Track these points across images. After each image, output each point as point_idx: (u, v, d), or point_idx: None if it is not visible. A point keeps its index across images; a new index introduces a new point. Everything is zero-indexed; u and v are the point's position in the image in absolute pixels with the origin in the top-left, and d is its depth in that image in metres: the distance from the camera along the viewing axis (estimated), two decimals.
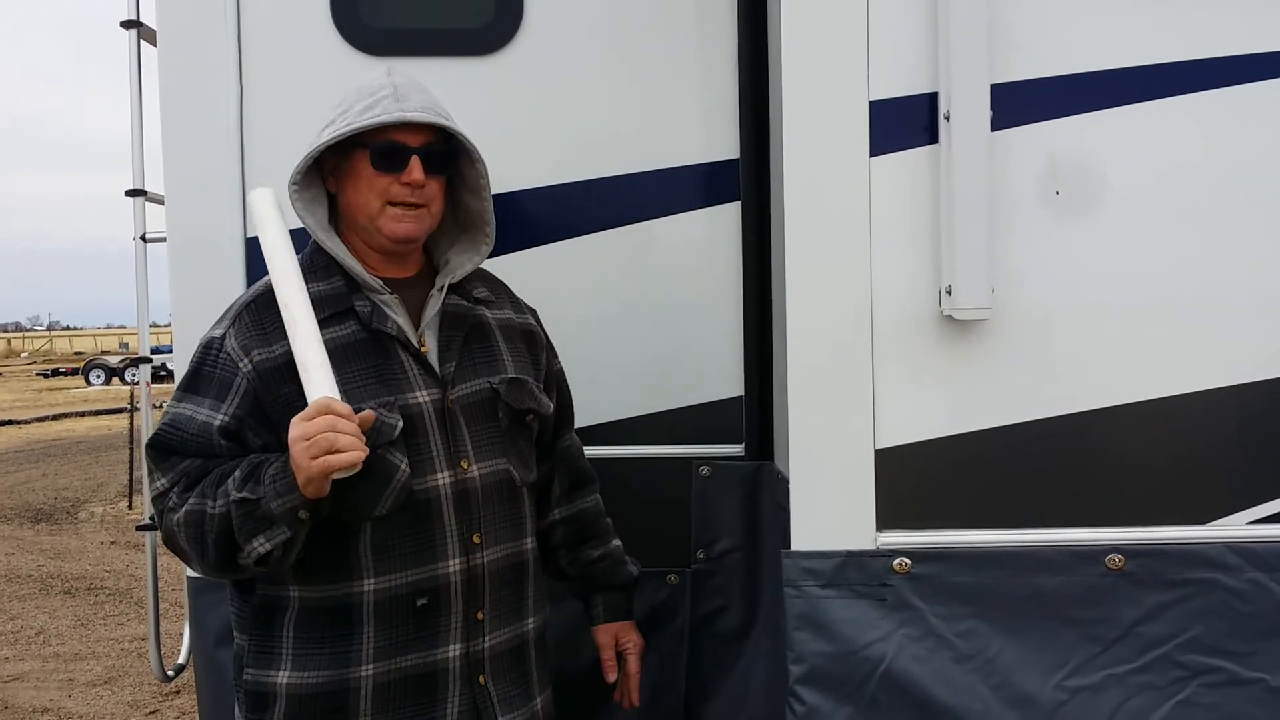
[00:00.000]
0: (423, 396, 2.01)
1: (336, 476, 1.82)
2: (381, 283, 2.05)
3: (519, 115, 2.65)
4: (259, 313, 2.01)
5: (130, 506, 11.40)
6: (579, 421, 2.49)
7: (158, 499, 1.96)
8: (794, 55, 2.13)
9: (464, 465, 2.02)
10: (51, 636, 7.13)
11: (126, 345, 53.88)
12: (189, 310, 2.39)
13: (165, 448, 1.95)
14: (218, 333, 2.01)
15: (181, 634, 3.07)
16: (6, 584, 8.49)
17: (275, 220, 1.99)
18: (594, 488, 2.41)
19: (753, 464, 2.65)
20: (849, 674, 2.11)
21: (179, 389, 2.00)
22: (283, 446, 1.93)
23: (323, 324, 1.97)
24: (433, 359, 2.05)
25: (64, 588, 8.34)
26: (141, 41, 2.85)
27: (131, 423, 12.42)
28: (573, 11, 2.65)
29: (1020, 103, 2.12)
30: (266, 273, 2.00)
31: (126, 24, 2.86)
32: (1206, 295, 2.15)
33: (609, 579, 2.38)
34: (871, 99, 2.12)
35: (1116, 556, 2.11)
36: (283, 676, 1.97)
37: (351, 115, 1.98)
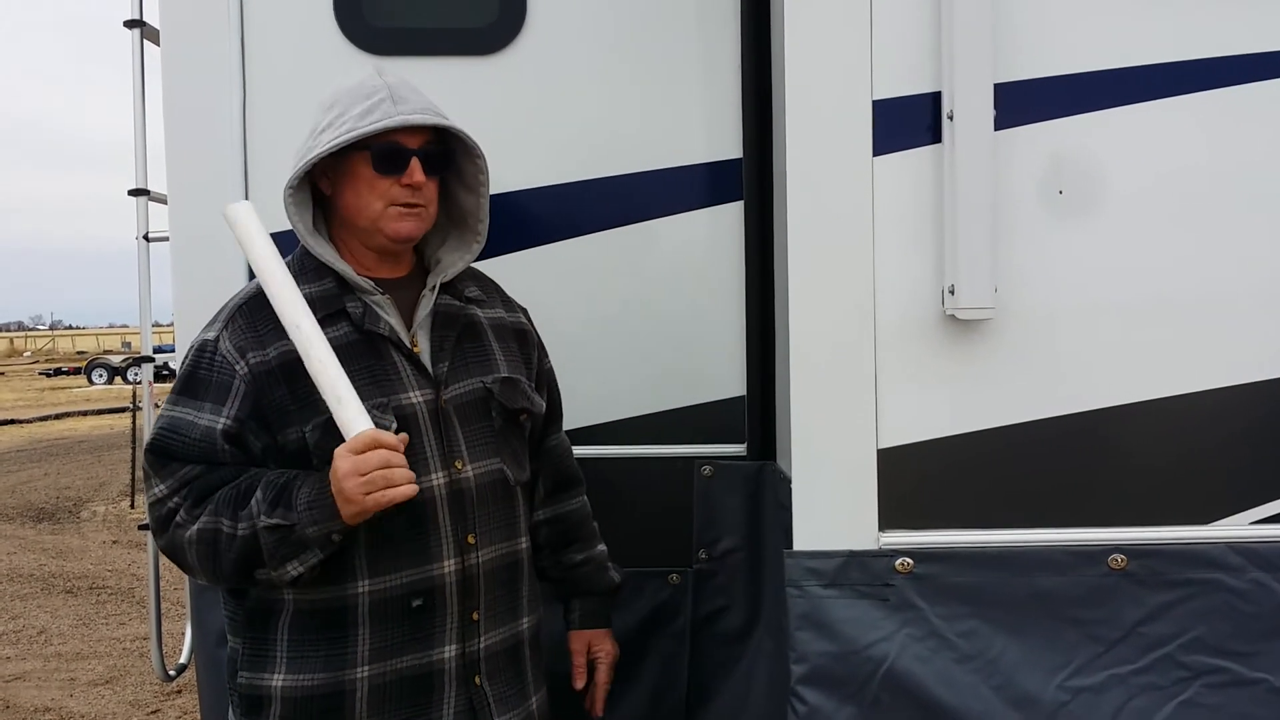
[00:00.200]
0: (416, 397, 2.00)
1: None
2: (373, 283, 2.04)
3: (522, 115, 2.65)
4: (252, 314, 2.00)
5: (132, 506, 11.41)
6: (581, 421, 2.49)
7: (155, 504, 1.94)
8: (797, 54, 2.13)
9: (458, 465, 2.02)
10: (53, 636, 7.13)
11: (129, 344, 53.89)
12: (191, 310, 2.38)
13: (165, 453, 1.94)
14: (210, 335, 1.99)
15: (183, 633, 3.07)
16: (8, 583, 8.49)
17: (263, 237, 1.97)
18: (580, 489, 2.40)
19: (755, 464, 2.65)
20: (851, 674, 2.11)
21: (174, 392, 1.98)
22: (280, 449, 1.94)
23: None
24: (425, 359, 2.05)
25: (66, 587, 8.34)
26: (144, 41, 2.86)
27: (134, 422, 12.42)
28: (576, 11, 2.65)
29: (1024, 102, 2.12)
30: None
31: (129, 23, 2.86)
32: (1209, 295, 2.14)
33: (590, 585, 2.37)
34: (874, 98, 2.12)
35: (1119, 556, 2.11)
36: (278, 679, 1.96)
37: (350, 119, 1.97)
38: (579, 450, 2.47)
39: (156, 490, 1.94)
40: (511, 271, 2.43)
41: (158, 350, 2.85)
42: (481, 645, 2.04)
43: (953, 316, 2.11)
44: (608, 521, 2.61)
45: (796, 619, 2.12)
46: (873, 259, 2.12)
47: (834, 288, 2.13)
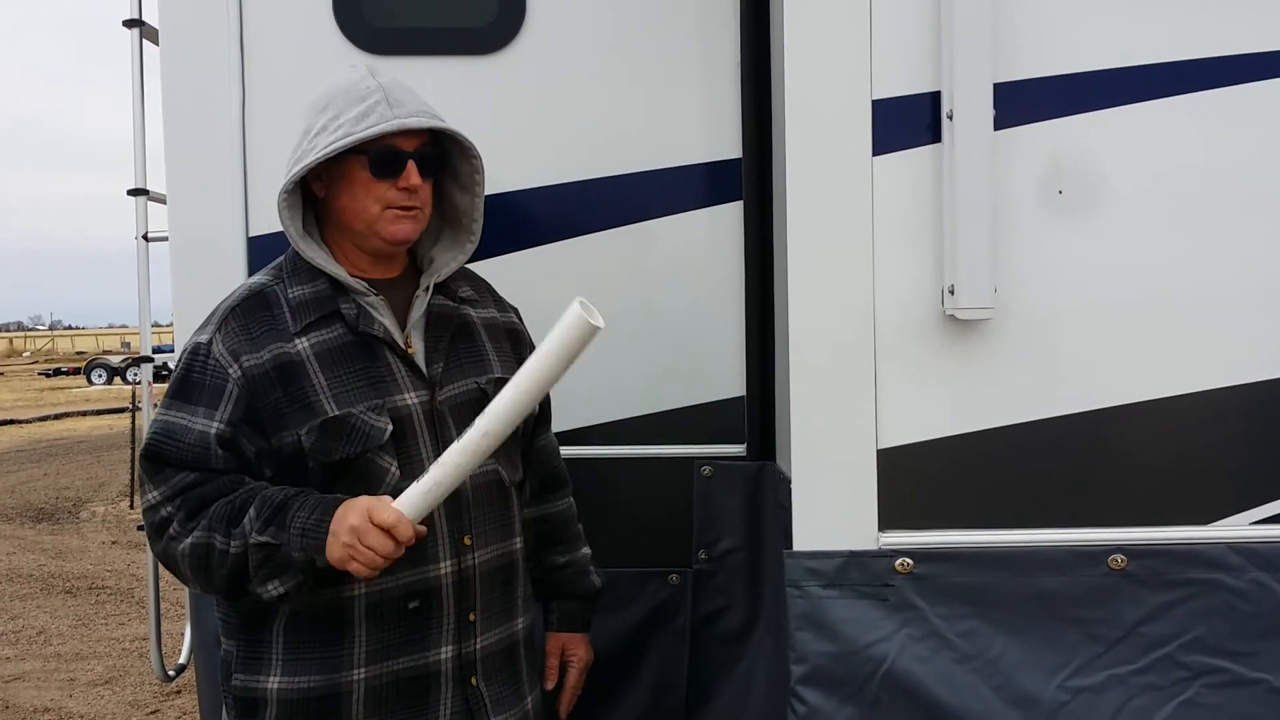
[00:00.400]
0: (411, 399, 2.00)
1: None
2: (366, 285, 2.03)
3: (521, 114, 2.65)
4: (245, 317, 1.99)
5: (132, 506, 11.40)
6: (581, 421, 2.49)
7: (149, 510, 1.93)
8: (796, 54, 2.13)
9: None
10: (53, 636, 7.13)
11: (128, 345, 53.90)
12: (191, 310, 2.38)
13: (159, 459, 1.92)
14: (204, 338, 1.98)
15: (183, 634, 3.07)
16: (8, 583, 8.49)
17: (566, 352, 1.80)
18: (566, 490, 2.40)
19: (755, 464, 2.65)
20: (851, 674, 2.10)
21: (168, 396, 1.97)
22: (276, 452, 1.93)
23: (309, 328, 1.98)
24: (420, 360, 2.05)
25: (65, 587, 8.34)
26: (144, 40, 2.85)
27: (133, 422, 12.42)
28: (575, 11, 2.65)
29: (1023, 102, 2.12)
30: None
31: (128, 23, 2.86)
32: (1209, 295, 2.14)
33: (571, 588, 2.37)
34: (874, 98, 2.12)
35: (1119, 556, 2.11)
36: (273, 682, 1.96)
37: (345, 123, 1.95)
38: (579, 450, 2.47)
39: (151, 496, 1.93)
40: (510, 272, 2.43)
41: (157, 350, 2.85)
42: (478, 646, 2.04)
43: (952, 316, 2.11)
44: (607, 521, 2.61)
45: (796, 619, 2.11)
46: (872, 259, 2.12)
47: (834, 288, 2.13)
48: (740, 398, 2.68)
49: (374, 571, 1.82)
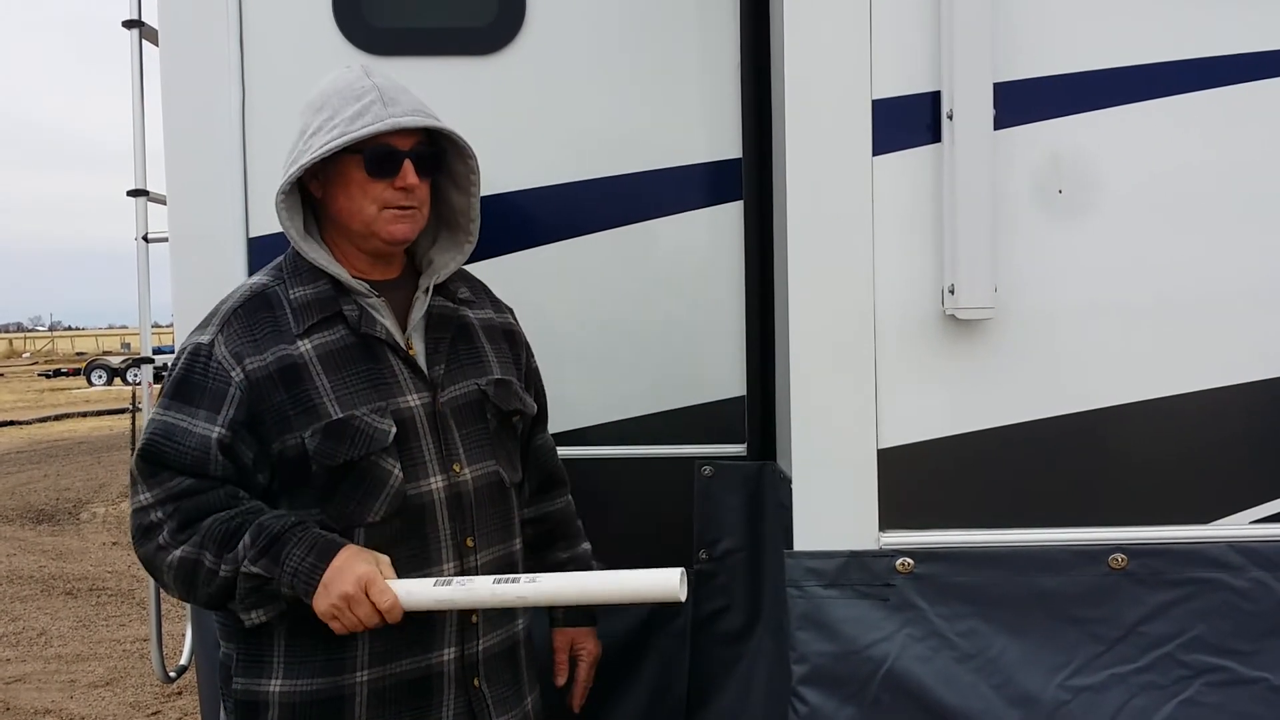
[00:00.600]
0: (413, 400, 2.00)
1: None
2: (368, 286, 2.03)
3: (521, 115, 2.65)
4: (248, 318, 1.98)
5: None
6: (582, 421, 2.48)
7: (139, 511, 1.92)
8: (796, 53, 2.13)
9: (456, 469, 2.01)
10: (53, 638, 7.13)
11: (128, 345, 53.89)
12: (191, 310, 2.37)
13: (156, 460, 1.91)
14: (205, 338, 1.97)
15: (183, 635, 3.07)
16: (8, 585, 8.49)
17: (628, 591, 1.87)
18: (564, 489, 2.40)
19: (755, 464, 2.65)
20: (852, 674, 2.10)
21: (166, 395, 1.95)
22: (279, 455, 1.93)
23: (311, 329, 1.97)
24: (421, 362, 2.04)
25: (66, 589, 8.33)
26: (143, 41, 2.85)
27: (134, 423, 12.38)
28: (575, 11, 2.65)
29: (1023, 101, 2.12)
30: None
31: (128, 23, 2.86)
32: (1209, 294, 2.14)
33: None
34: (874, 98, 2.12)
35: (1119, 556, 2.11)
36: (275, 685, 1.96)
37: (340, 123, 1.95)
38: (580, 450, 2.47)
39: (142, 497, 1.92)
40: (510, 272, 2.43)
41: (157, 351, 2.85)
42: (480, 647, 2.04)
43: (953, 316, 2.10)
44: (608, 521, 2.61)
45: (797, 619, 2.11)
46: (872, 259, 2.12)
47: (834, 287, 2.13)
48: (741, 397, 2.68)
49: (348, 632, 1.87)
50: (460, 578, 1.89)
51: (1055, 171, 2.13)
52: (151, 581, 2.95)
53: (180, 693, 5.91)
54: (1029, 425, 2.14)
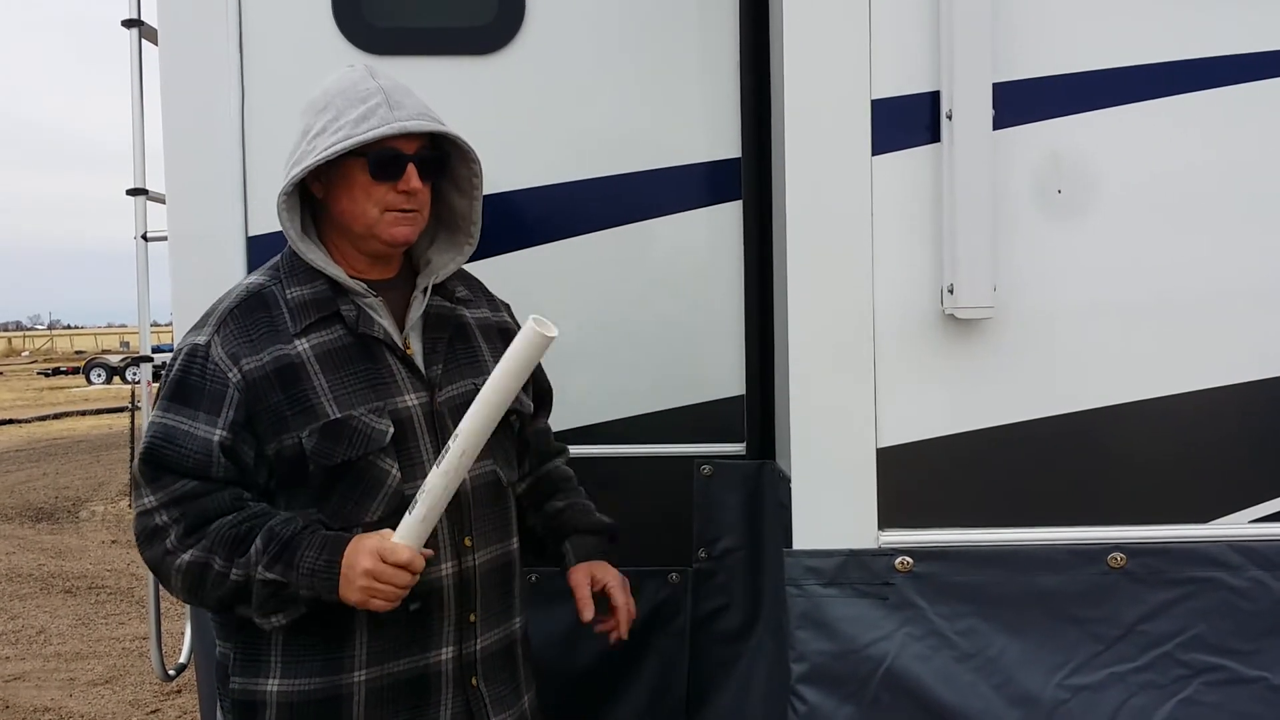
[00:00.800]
0: (411, 400, 2.00)
1: None
2: (365, 286, 2.03)
3: (520, 114, 2.65)
4: (244, 319, 1.98)
5: (131, 506, 11.38)
6: (581, 421, 2.48)
7: (144, 515, 1.92)
8: (796, 53, 2.13)
9: None
10: (52, 636, 7.13)
11: (127, 344, 53.88)
12: (190, 309, 2.37)
13: (159, 464, 1.91)
14: (201, 339, 1.96)
15: (183, 633, 3.07)
16: (7, 583, 8.49)
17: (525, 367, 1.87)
18: (563, 457, 2.38)
19: (755, 463, 2.65)
20: (851, 673, 2.11)
21: (165, 398, 1.95)
22: (276, 455, 1.92)
23: (308, 329, 1.97)
24: (418, 361, 2.04)
25: (65, 587, 8.33)
26: (143, 40, 2.85)
27: (133, 422, 12.39)
28: (575, 10, 2.65)
29: (1022, 101, 2.12)
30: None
31: (128, 23, 2.86)
32: (1209, 294, 2.14)
33: (578, 523, 2.27)
34: (873, 97, 2.12)
35: (1118, 555, 2.11)
36: (273, 684, 1.95)
37: (345, 125, 1.94)
38: (579, 449, 2.47)
39: (147, 501, 1.92)
40: (510, 272, 2.43)
41: (156, 350, 2.85)
42: (478, 646, 2.04)
43: (952, 316, 2.11)
44: None
45: (796, 618, 2.12)
46: (871, 258, 2.13)
47: (833, 287, 2.13)
48: (740, 396, 2.68)
49: (395, 604, 1.86)
50: (420, 493, 1.85)
51: (1054, 171, 2.13)
52: (151, 580, 2.95)
53: (179, 691, 5.91)
54: (1028, 424, 2.14)
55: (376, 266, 2.08)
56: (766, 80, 2.59)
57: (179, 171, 2.64)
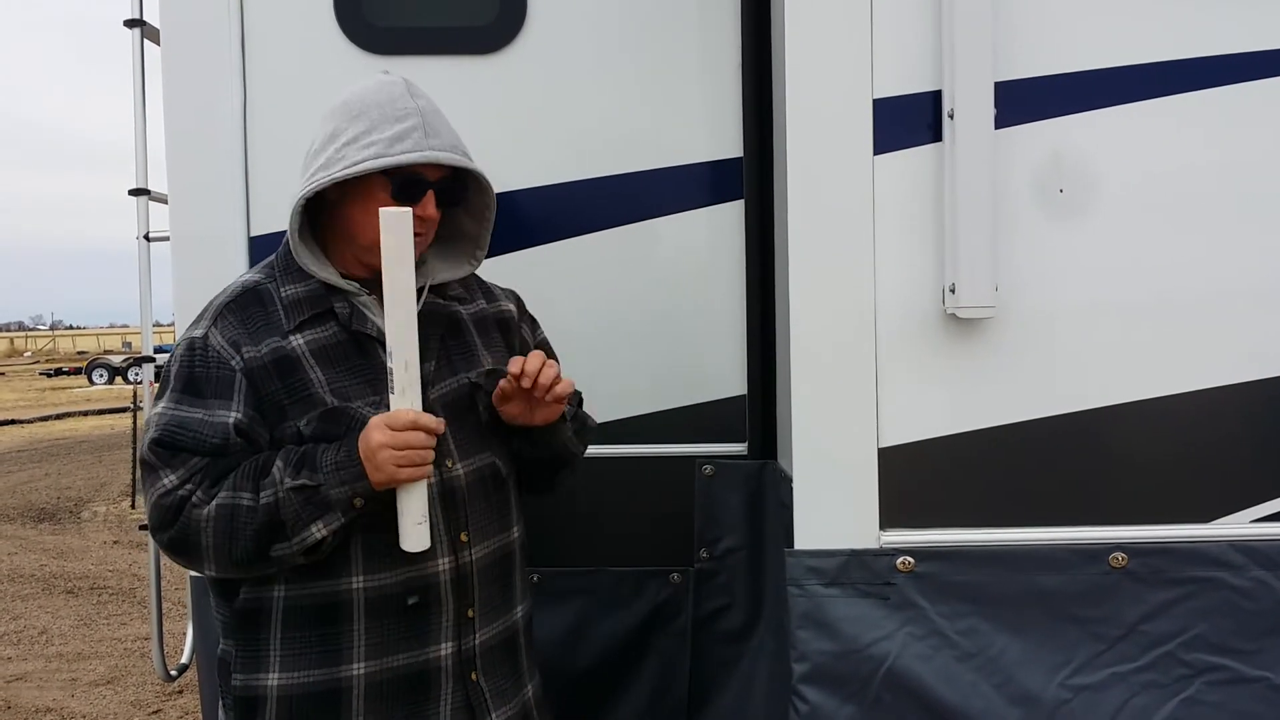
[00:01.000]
0: None
1: None
2: (358, 285, 2.04)
3: (522, 114, 2.65)
4: (241, 311, 1.99)
5: (133, 506, 11.41)
6: None
7: (164, 495, 1.89)
8: (797, 53, 2.13)
9: (449, 464, 2.02)
10: (54, 636, 7.14)
11: (129, 344, 53.91)
12: (192, 310, 2.38)
13: (175, 446, 1.90)
14: (199, 332, 1.97)
15: (184, 633, 3.07)
16: (9, 584, 8.50)
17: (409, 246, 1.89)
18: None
19: (756, 463, 2.65)
20: (852, 673, 2.11)
21: (173, 391, 1.95)
22: (274, 443, 1.94)
23: (302, 325, 1.98)
24: None
25: (67, 587, 8.34)
26: (145, 40, 2.86)
27: (135, 422, 12.43)
28: (576, 10, 2.65)
29: (1024, 100, 2.12)
30: None
31: (130, 23, 2.86)
32: (1210, 293, 2.14)
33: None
34: (875, 97, 2.12)
35: (1120, 555, 2.11)
36: (273, 679, 1.96)
37: (379, 142, 1.94)
38: None
39: (166, 481, 1.89)
40: (512, 271, 2.43)
41: (158, 350, 2.85)
42: (477, 641, 2.04)
43: (953, 315, 2.11)
44: (609, 521, 2.61)
45: (798, 618, 2.12)
46: (873, 258, 2.12)
47: (835, 286, 2.13)
48: (741, 396, 2.68)
49: (429, 469, 1.87)
50: (393, 380, 1.87)
51: (1056, 171, 2.13)
52: (153, 580, 2.96)
53: (181, 691, 5.92)
54: (1030, 424, 2.14)
55: (372, 268, 2.08)
56: (768, 80, 2.59)
57: (181, 172, 2.64)
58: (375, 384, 1.97)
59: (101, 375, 33.30)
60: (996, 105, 2.07)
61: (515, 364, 1.97)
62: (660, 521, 2.67)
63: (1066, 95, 2.13)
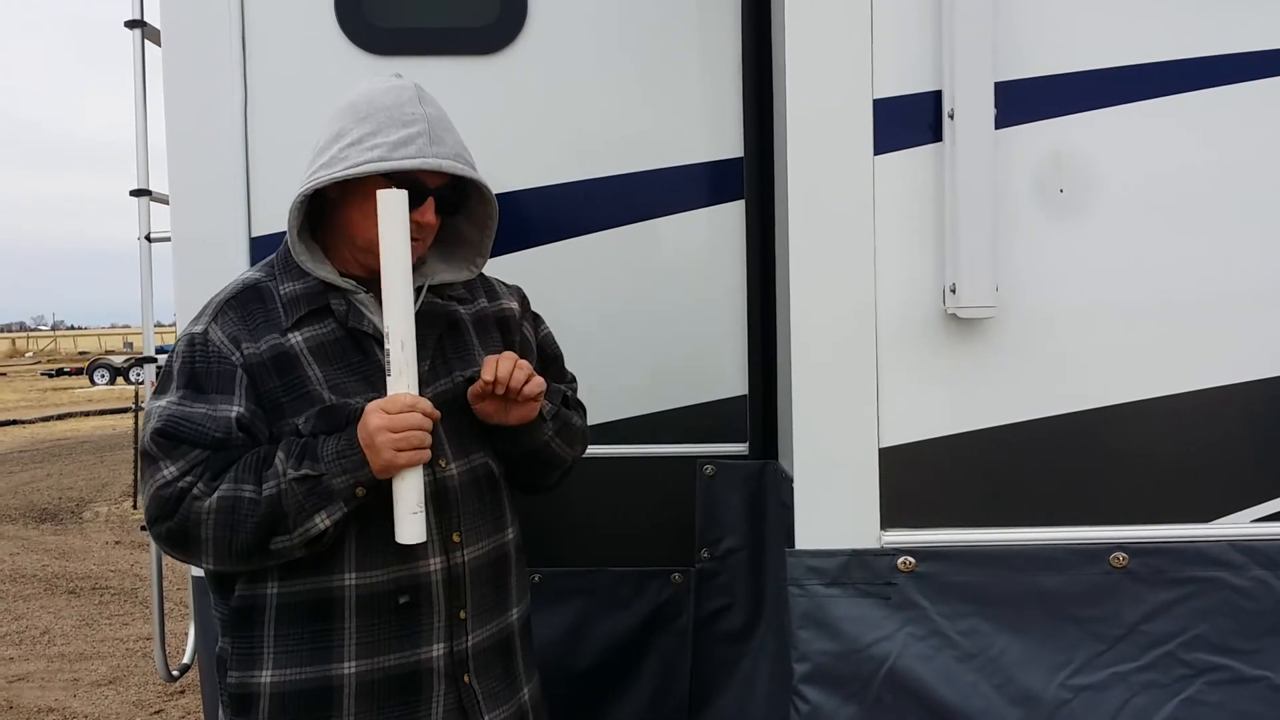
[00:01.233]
0: None
1: None
2: (355, 282, 2.04)
3: (523, 114, 2.66)
4: (242, 307, 2.01)
5: (135, 506, 11.42)
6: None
7: (164, 486, 1.89)
8: (798, 53, 2.13)
9: (442, 464, 2.02)
10: (56, 636, 7.14)
11: (131, 345, 53.96)
12: (193, 310, 2.38)
13: (176, 438, 1.91)
14: (199, 328, 1.99)
15: (186, 634, 3.08)
16: (11, 584, 8.50)
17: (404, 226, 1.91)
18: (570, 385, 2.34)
19: (757, 463, 2.65)
20: (853, 673, 2.11)
21: (175, 386, 1.95)
22: (272, 439, 1.94)
23: (300, 322, 1.99)
24: None
25: (69, 588, 8.35)
26: (145, 41, 2.86)
27: (136, 422, 12.43)
28: (577, 10, 2.65)
29: (1024, 101, 2.12)
30: None
31: (130, 24, 2.87)
32: (1210, 293, 2.14)
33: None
34: (875, 97, 2.12)
35: (1120, 555, 2.11)
36: (266, 676, 1.96)
37: (384, 146, 1.94)
38: None
39: (166, 472, 1.89)
40: (513, 272, 2.43)
41: (160, 350, 2.85)
42: (470, 643, 2.04)
43: (954, 315, 2.11)
44: (610, 521, 2.61)
45: (798, 618, 2.12)
46: (874, 258, 2.13)
47: (835, 287, 2.13)
48: (742, 396, 2.68)
49: (427, 452, 1.88)
50: (389, 361, 1.89)
51: (1056, 171, 2.13)
52: (154, 580, 2.96)
53: (183, 691, 5.92)
54: (1030, 424, 2.14)
55: (370, 269, 2.09)
56: (768, 80, 2.59)
57: (181, 173, 2.64)
58: (372, 381, 1.98)
59: (103, 376, 33.31)
60: (997, 105, 2.07)
61: (488, 368, 1.98)
62: (661, 521, 2.67)
63: (1067, 95, 2.13)
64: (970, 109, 2.06)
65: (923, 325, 2.13)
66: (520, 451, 2.15)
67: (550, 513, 2.49)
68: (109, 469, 14.32)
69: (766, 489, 2.62)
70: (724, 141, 2.67)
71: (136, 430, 12.34)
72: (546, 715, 2.24)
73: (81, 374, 36.09)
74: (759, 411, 2.66)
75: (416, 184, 1.97)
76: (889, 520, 2.14)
